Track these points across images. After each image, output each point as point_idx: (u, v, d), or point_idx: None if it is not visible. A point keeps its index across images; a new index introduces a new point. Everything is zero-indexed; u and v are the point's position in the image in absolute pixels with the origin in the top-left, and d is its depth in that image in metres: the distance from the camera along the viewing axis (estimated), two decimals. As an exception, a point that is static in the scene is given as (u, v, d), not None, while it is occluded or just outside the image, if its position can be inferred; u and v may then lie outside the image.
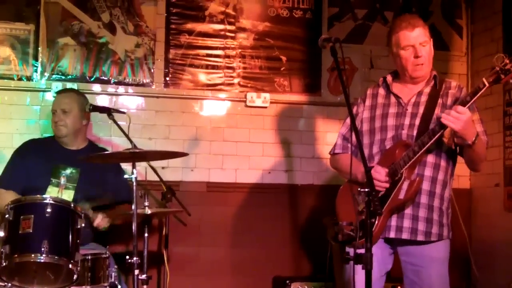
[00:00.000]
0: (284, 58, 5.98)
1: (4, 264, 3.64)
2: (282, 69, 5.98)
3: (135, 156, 4.00)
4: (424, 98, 3.99)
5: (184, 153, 4.29)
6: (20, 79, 5.51)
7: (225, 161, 5.85)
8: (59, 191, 4.71)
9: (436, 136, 3.73)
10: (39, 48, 5.53)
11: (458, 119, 3.59)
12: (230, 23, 5.92)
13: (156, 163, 5.17)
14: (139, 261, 3.92)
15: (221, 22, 5.91)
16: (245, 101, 5.88)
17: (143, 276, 4.00)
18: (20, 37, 5.53)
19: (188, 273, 5.63)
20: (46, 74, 5.54)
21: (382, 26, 6.17)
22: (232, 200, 5.80)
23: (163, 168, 5.54)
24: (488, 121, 5.89)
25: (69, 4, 5.60)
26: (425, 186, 3.91)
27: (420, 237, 3.89)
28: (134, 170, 3.97)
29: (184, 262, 5.63)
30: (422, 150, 3.77)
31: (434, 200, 3.92)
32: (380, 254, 3.93)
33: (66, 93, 5.02)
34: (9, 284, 3.71)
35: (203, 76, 5.84)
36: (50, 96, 5.46)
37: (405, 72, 3.99)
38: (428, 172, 3.92)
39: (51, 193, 4.63)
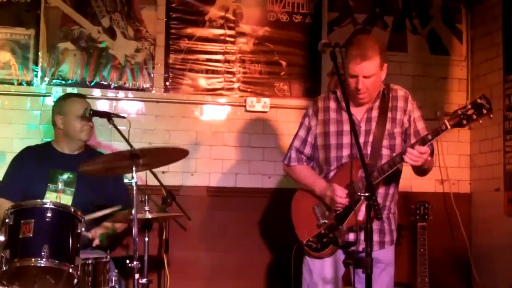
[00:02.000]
0: (284, 63, 5.98)
1: (4, 268, 3.63)
2: (282, 73, 5.99)
3: (135, 162, 3.99)
4: (375, 113, 4.13)
5: (183, 149, 4.23)
6: (20, 84, 5.51)
7: (225, 165, 5.85)
8: (57, 197, 4.70)
9: (395, 167, 3.93)
10: (39, 53, 5.54)
11: (420, 157, 3.83)
12: (230, 28, 5.93)
13: (156, 168, 5.16)
14: (140, 265, 3.92)
15: (221, 27, 5.92)
16: (245, 106, 5.88)
17: (144, 280, 3.99)
18: (20, 42, 5.53)
19: (188, 277, 5.62)
20: (46, 79, 5.54)
21: (382, 31, 6.18)
22: (232, 205, 5.79)
23: (163, 172, 5.54)
24: (488, 125, 5.93)
25: (69, 9, 5.61)
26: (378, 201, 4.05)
27: (375, 248, 4.05)
28: (134, 175, 3.97)
29: (184, 266, 5.63)
30: (382, 178, 3.95)
31: (384, 212, 4.11)
32: (335, 262, 4.17)
33: (84, 98, 4.96)
34: (10, 289, 3.71)
35: (203, 81, 5.85)
36: (50, 101, 5.45)
37: (350, 95, 4.06)
38: (381, 189, 4.12)
39: (50, 199, 4.62)
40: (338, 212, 4.05)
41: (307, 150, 4.30)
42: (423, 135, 3.97)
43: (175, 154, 4.41)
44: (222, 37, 5.92)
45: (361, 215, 3.94)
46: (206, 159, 5.82)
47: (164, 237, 5.35)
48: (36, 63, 5.54)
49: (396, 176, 4.15)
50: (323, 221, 4.11)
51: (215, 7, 5.90)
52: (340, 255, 4.15)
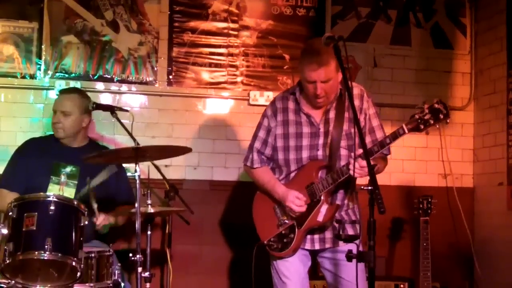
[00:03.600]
0: (287, 57, 5.98)
1: (7, 261, 3.63)
2: (285, 67, 5.98)
3: (139, 154, 4.00)
4: (332, 114, 4.13)
5: (186, 147, 4.28)
6: (23, 77, 5.52)
7: (228, 159, 5.85)
8: (60, 189, 4.71)
9: (344, 178, 3.93)
10: (43, 46, 5.54)
11: (363, 170, 3.79)
12: (233, 21, 5.92)
13: (159, 162, 5.17)
14: (142, 258, 3.92)
15: (224, 20, 5.91)
16: (248, 100, 5.88)
17: (146, 274, 4.00)
18: (23, 35, 5.54)
19: (191, 271, 5.63)
20: (50, 72, 5.55)
21: (386, 25, 6.17)
22: (235, 199, 5.80)
23: (166, 166, 5.55)
24: (491, 119, 5.93)
25: (73, 2, 5.61)
26: (338, 202, 4.17)
27: (328, 245, 4.14)
28: (137, 168, 3.97)
29: (187, 260, 5.64)
30: (341, 180, 3.95)
31: (342, 209, 4.17)
32: (298, 259, 4.18)
33: (69, 94, 4.90)
34: (13, 282, 3.70)
35: (206, 75, 5.84)
36: (53, 94, 5.45)
37: (309, 98, 4.11)
38: (341, 190, 4.13)
39: (52, 191, 4.62)
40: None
41: (268, 151, 4.29)
42: (381, 138, 4.00)
43: (178, 150, 4.47)
44: (226, 31, 5.91)
45: (321, 216, 4.01)
46: (209, 153, 5.82)
47: (167, 231, 5.36)
48: (39, 57, 5.54)
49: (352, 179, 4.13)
50: (283, 221, 4.14)
51: (218, 0, 5.90)
52: (302, 251, 4.18)
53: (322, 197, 4.02)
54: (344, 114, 4.08)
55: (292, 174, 4.18)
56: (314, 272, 4.35)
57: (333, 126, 4.09)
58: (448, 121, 3.77)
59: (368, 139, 4.09)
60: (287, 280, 4.17)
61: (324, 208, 4.01)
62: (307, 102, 4.15)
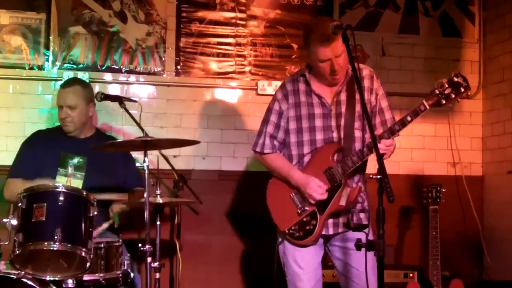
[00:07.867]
0: (295, 46, 5.96)
1: (17, 252, 3.65)
2: (293, 56, 5.97)
3: (147, 144, 4.01)
4: (343, 96, 4.10)
5: (195, 141, 4.30)
6: (31, 68, 5.52)
7: (237, 149, 5.85)
8: (68, 181, 4.72)
9: (365, 158, 3.91)
10: (51, 37, 5.55)
11: (387, 150, 3.85)
12: (241, 11, 5.91)
13: (167, 152, 5.18)
14: (152, 249, 3.93)
15: (232, 10, 5.90)
16: (256, 89, 5.87)
17: (156, 264, 4.01)
18: (31, 26, 5.54)
19: (200, 261, 5.64)
20: (58, 63, 5.55)
21: (394, 13, 6.15)
22: (244, 189, 5.80)
23: (174, 156, 5.56)
24: (500, 108, 5.91)
25: (80, -7, 5.62)
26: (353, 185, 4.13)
27: (340, 229, 4.11)
28: (146, 159, 3.97)
29: (196, 250, 5.65)
30: (361, 162, 3.92)
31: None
32: (313, 248, 4.14)
33: (71, 87, 4.87)
34: (23, 272, 3.71)
35: (214, 65, 5.84)
36: (61, 85, 5.47)
37: (324, 78, 4.08)
38: (356, 173, 4.10)
39: (60, 183, 4.63)
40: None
41: (280, 135, 4.23)
42: (389, 119, 4.07)
43: (186, 142, 4.50)
44: (233, 20, 5.90)
45: (343, 201, 3.97)
46: (218, 143, 5.82)
47: (176, 221, 5.37)
48: (47, 48, 5.54)
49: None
50: (303, 208, 4.06)
51: (226, -10, 5.90)
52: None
53: (343, 181, 3.98)
54: (355, 95, 4.04)
55: (306, 158, 4.12)
56: (323, 261, 4.32)
57: (345, 108, 4.06)
58: (469, 93, 3.77)
59: (377, 120, 4.11)
60: (300, 270, 4.12)
61: (345, 192, 3.97)
62: (318, 82, 4.11)
